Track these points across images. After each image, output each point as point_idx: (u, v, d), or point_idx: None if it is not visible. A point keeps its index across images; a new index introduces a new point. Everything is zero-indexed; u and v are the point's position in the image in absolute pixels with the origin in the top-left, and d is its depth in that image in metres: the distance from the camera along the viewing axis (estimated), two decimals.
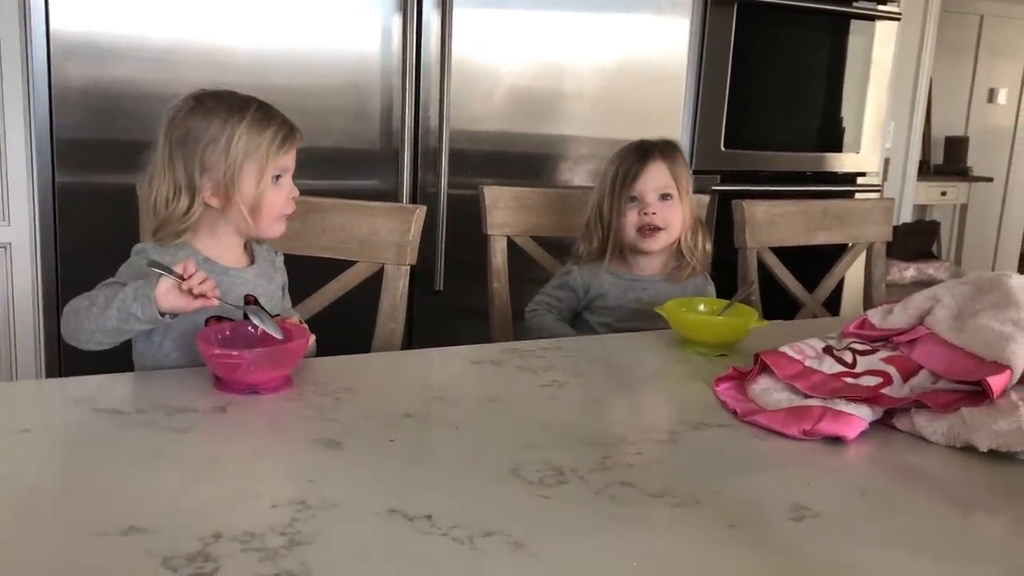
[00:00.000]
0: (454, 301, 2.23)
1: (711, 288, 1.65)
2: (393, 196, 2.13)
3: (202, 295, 1.07)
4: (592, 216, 1.63)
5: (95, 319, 1.09)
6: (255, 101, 1.21)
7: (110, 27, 1.83)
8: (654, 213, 1.56)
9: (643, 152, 1.60)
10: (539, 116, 2.31)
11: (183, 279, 1.06)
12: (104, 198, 1.84)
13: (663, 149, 1.60)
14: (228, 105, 1.18)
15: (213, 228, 1.21)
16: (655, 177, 1.58)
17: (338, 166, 2.10)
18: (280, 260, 1.34)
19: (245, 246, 1.27)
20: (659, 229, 1.57)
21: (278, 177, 1.21)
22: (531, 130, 2.31)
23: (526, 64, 2.26)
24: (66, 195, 1.86)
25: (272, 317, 1.14)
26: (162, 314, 1.07)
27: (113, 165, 1.83)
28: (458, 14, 2.13)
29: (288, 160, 1.22)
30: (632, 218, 1.57)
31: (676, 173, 1.59)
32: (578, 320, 1.66)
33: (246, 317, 1.12)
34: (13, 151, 1.86)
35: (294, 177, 1.25)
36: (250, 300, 1.20)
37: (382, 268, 1.50)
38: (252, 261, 1.27)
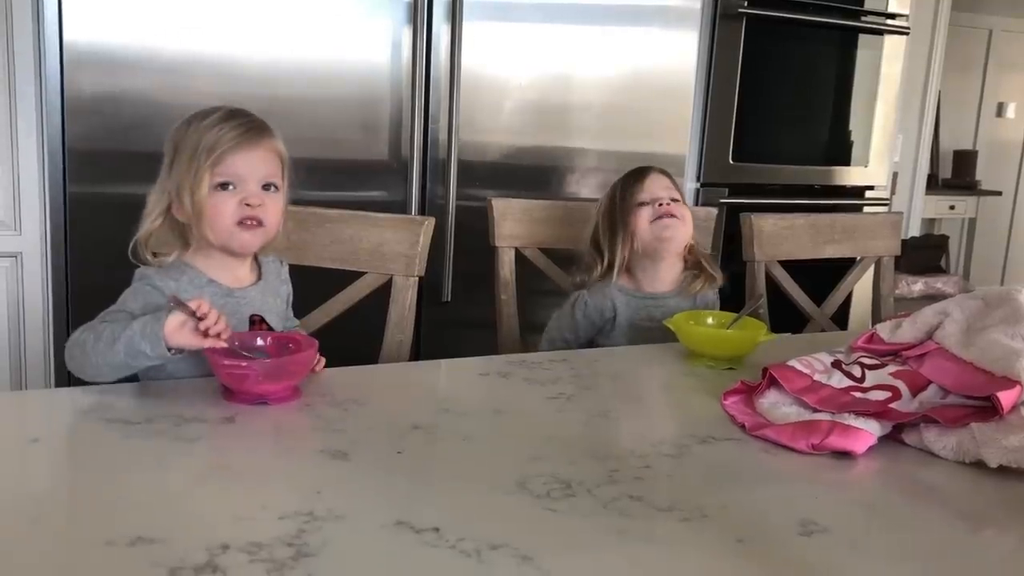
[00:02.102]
0: (462, 312, 2.23)
1: (717, 304, 1.64)
2: (402, 207, 2.14)
3: (215, 335, 1.04)
4: (590, 247, 1.62)
5: (101, 354, 1.06)
6: (230, 108, 1.15)
7: (123, 38, 1.84)
8: (668, 203, 1.57)
9: (640, 169, 1.64)
10: (548, 129, 2.32)
11: (197, 316, 1.03)
12: (115, 208, 1.82)
13: (657, 168, 1.64)
14: (203, 114, 1.14)
15: (201, 246, 1.16)
16: (659, 181, 1.61)
17: (347, 177, 2.10)
18: (285, 271, 1.31)
19: (253, 261, 1.24)
20: (675, 218, 1.56)
21: (226, 185, 1.13)
22: (540, 143, 2.31)
23: (535, 77, 2.27)
24: (77, 205, 1.86)
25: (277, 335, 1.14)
26: (170, 350, 1.05)
27: (124, 176, 1.84)
28: (468, 27, 2.14)
29: (240, 165, 1.13)
30: (645, 214, 1.57)
31: (675, 184, 1.63)
32: (591, 347, 1.64)
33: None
34: (25, 161, 1.87)
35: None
36: (255, 320, 1.19)
37: (390, 279, 1.51)
38: (260, 277, 1.24)
